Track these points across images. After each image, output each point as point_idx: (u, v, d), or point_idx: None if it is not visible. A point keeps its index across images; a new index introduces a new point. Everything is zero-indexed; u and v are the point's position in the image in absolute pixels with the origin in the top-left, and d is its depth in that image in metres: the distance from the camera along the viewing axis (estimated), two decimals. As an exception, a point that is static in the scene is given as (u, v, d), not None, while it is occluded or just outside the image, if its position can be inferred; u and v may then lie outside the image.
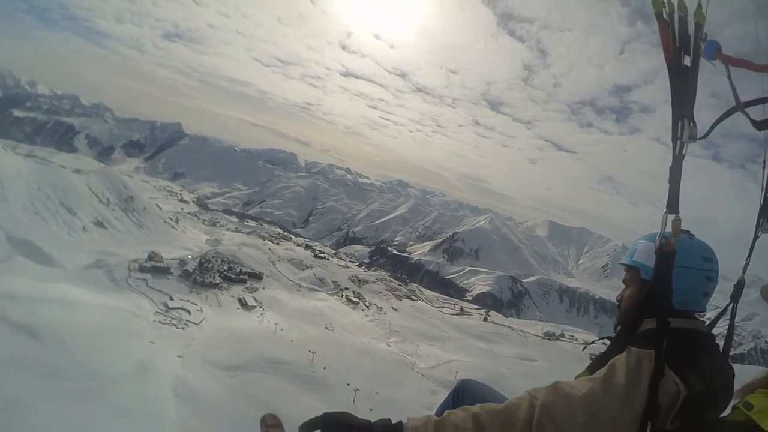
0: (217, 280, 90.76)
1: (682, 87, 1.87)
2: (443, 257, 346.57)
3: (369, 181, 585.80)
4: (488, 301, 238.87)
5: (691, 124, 1.85)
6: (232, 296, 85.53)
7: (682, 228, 2.22)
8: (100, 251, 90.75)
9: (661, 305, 2.04)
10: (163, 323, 64.02)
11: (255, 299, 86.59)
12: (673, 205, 1.92)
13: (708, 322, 2.46)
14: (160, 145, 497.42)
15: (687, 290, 2.20)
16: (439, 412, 2.74)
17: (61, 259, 78.41)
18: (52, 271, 70.05)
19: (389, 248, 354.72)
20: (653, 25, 1.84)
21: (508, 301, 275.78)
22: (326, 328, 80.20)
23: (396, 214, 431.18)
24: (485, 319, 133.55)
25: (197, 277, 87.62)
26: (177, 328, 63.98)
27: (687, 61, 1.89)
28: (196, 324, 67.26)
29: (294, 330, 72.56)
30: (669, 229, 1.97)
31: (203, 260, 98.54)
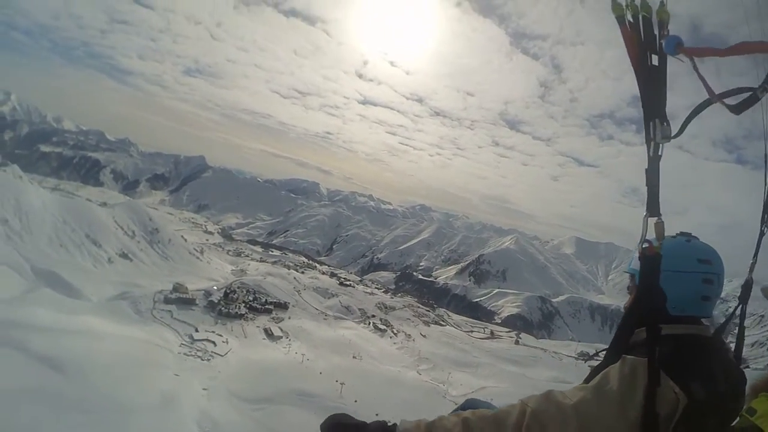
0: (243, 310, 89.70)
1: (652, 87, 1.84)
2: (470, 280, 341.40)
3: (392, 207, 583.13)
4: (518, 323, 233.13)
5: (664, 123, 1.80)
6: (258, 326, 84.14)
7: (682, 231, 2.30)
8: (126, 282, 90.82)
9: (649, 312, 1.96)
10: (188, 355, 62.88)
11: (281, 329, 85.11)
12: (653, 208, 1.84)
13: (717, 327, 2.35)
14: (184, 178, 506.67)
15: (682, 295, 2.13)
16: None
17: (86, 291, 78.37)
18: (77, 303, 69.76)
19: (415, 273, 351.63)
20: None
21: (538, 321, 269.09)
22: (354, 357, 78.06)
23: (420, 238, 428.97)
24: (516, 342, 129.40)
25: (222, 308, 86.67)
26: (202, 359, 62.74)
27: (655, 60, 1.83)
28: (222, 355, 65.89)
29: (321, 360, 70.69)
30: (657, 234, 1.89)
31: (228, 291, 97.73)
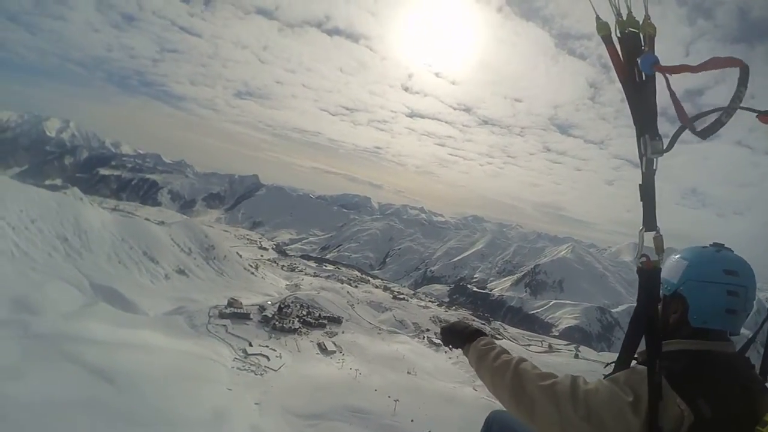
0: (297, 325, 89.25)
1: (641, 103, 1.87)
2: (525, 291, 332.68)
3: (443, 219, 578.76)
4: (576, 336, 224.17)
5: (656, 138, 1.84)
6: (312, 341, 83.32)
7: (714, 242, 2.27)
8: (182, 298, 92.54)
9: (648, 326, 1.97)
10: (242, 369, 62.57)
11: (334, 344, 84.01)
12: (649, 223, 1.88)
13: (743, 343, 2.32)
14: (239, 197, 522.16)
15: (705, 306, 2.09)
16: None
17: (143, 306, 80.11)
18: (134, 317, 71.25)
19: (469, 286, 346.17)
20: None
21: (597, 333, 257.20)
22: (408, 372, 75.82)
23: (473, 250, 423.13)
24: (576, 356, 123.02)
25: (276, 323, 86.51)
26: (255, 374, 62.24)
27: (644, 75, 1.87)
28: (275, 370, 65.28)
29: (375, 375, 68.84)
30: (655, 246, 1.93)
31: (282, 305, 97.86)
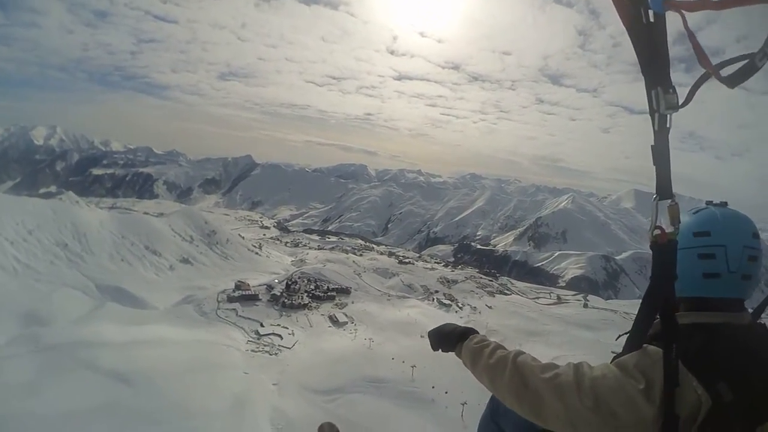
0: (306, 300, 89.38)
1: (650, 49, 1.55)
2: (529, 245, 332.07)
3: (442, 180, 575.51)
4: (583, 285, 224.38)
5: (669, 90, 1.55)
6: (322, 314, 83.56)
7: (708, 200, 2.07)
8: (189, 287, 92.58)
9: (665, 304, 1.70)
10: (256, 351, 62.86)
11: (345, 315, 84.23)
12: (664, 190, 1.66)
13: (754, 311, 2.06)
14: (235, 179, 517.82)
15: (682, 274, 1.78)
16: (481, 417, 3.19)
17: (152, 300, 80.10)
18: (144, 313, 71.30)
19: (472, 243, 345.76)
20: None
21: (603, 282, 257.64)
22: (422, 336, 75.70)
23: (474, 208, 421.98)
24: (585, 306, 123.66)
25: (286, 300, 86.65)
26: (270, 354, 62.54)
27: (651, 16, 1.53)
28: (289, 348, 65.57)
29: (389, 343, 69.00)
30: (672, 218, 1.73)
31: (290, 282, 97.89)
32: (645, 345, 1.75)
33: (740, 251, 1.86)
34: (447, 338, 2.40)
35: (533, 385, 1.80)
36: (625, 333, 1.95)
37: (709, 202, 2.03)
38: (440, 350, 2.46)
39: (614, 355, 1.93)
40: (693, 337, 1.71)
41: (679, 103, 1.57)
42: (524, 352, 2.00)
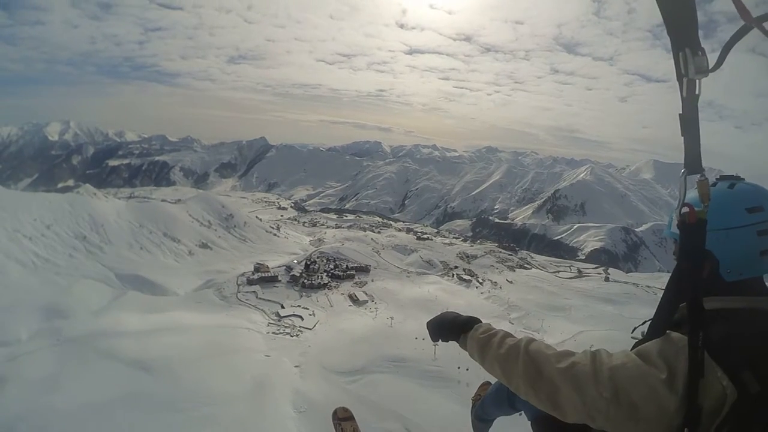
0: (325, 279, 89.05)
1: (677, 7, 1.43)
2: (548, 218, 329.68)
3: (457, 154, 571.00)
4: (603, 258, 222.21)
5: (699, 53, 1.43)
6: (342, 294, 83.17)
7: (723, 174, 1.92)
8: (209, 271, 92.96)
9: (693, 289, 1.59)
10: (277, 333, 62.72)
11: (365, 293, 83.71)
12: (693, 164, 1.56)
13: None
14: (250, 162, 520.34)
15: (736, 256, 1.74)
16: (493, 390, 3.44)
17: (172, 286, 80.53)
18: (165, 300, 71.60)
19: (490, 218, 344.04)
20: None
21: (623, 254, 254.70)
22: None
23: (491, 181, 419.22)
24: (606, 279, 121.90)
25: (305, 281, 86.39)
26: (291, 336, 62.33)
27: None
28: (310, 329, 65.31)
29: (409, 320, 68.33)
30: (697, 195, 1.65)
31: (309, 262, 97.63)
32: (668, 331, 1.65)
33: None
34: (449, 328, 2.25)
35: (548, 375, 1.69)
36: (646, 322, 1.86)
37: (726, 177, 1.88)
38: (440, 341, 2.33)
39: (635, 341, 1.82)
40: (718, 323, 1.59)
41: (710, 67, 1.43)
42: (535, 339, 1.88)
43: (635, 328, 2.16)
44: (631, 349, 1.72)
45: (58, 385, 38.38)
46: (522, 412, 3.03)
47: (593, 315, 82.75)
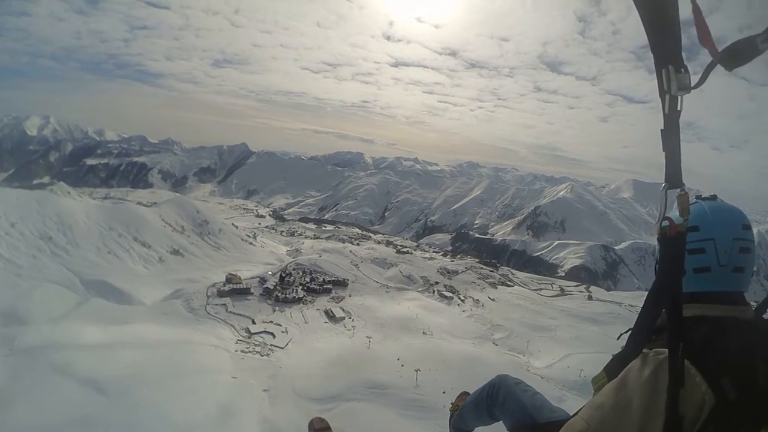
0: (301, 293, 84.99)
1: (661, 24, 1.44)
2: (528, 234, 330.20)
3: (439, 168, 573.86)
4: (583, 275, 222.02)
5: (681, 70, 1.45)
6: (318, 309, 79.21)
7: (697, 195, 2.00)
8: (179, 279, 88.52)
9: (672, 301, 1.58)
10: (246, 352, 58.71)
11: (342, 309, 79.93)
12: (673, 178, 1.56)
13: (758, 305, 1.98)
14: (230, 167, 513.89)
15: None
16: (471, 400, 3.38)
17: (139, 295, 76.20)
18: (129, 309, 67.28)
19: (471, 232, 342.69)
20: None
21: (603, 272, 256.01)
22: (424, 333, 71.75)
23: (472, 196, 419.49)
24: (589, 298, 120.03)
25: (279, 294, 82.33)
26: (261, 355, 58.29)
27: None
28: (282, 348, 61.40)
29: (389, 341, 64.86)
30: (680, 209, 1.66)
31: (284, 274, 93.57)
32: (644, 350, 1.67)
33: (730, 244, 1.84)
34: None
35: None
36: (628, 330, 1.87)
37: (698, 197, 1.99)
38: None
39: (613, 356, 1.90)
40: (696, 330, 1.64)
41: (692, 84, 1.45)
42: None
43: (621, 335, 2.17)
44: (609, 364, 1.84)
45: (8, 402, 34.89)
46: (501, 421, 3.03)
47: (579, 336, 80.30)
